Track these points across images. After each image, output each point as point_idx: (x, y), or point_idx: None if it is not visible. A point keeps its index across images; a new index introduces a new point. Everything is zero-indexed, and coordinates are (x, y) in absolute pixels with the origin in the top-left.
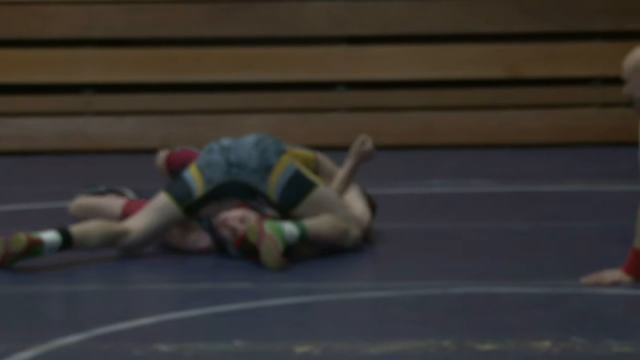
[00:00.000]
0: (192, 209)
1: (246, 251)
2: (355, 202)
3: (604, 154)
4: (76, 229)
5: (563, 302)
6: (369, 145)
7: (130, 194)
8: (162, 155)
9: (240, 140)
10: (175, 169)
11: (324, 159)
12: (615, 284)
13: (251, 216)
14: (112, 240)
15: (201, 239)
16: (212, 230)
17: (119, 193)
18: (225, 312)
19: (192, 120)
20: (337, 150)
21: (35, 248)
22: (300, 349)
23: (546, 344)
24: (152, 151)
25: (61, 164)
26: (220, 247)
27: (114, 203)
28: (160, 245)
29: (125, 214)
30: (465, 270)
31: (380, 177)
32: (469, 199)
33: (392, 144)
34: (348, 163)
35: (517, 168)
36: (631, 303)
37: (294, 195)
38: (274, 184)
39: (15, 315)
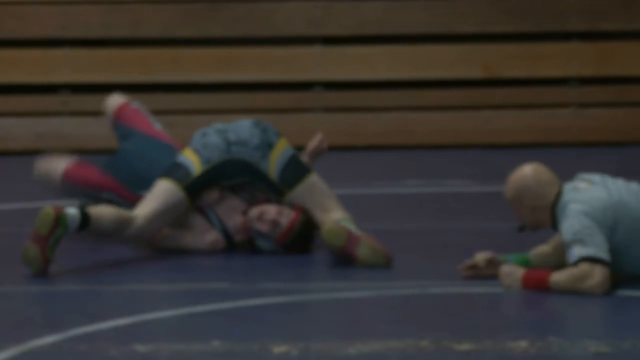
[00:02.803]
0: (193, 189)
1: (287, 245)
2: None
3: (581, 154)
4: (93, 209)
5: (540, 303)
6: (325, 145)
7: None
8: (118, 100)
9: (235, 123)
10: (120, 121)
11: None
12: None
13: (286, 210)
14: (121, 226)
15: (208, 235)
16: (223, 226)
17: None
18: (202, 313)
19: (169, 121)
20: None
21: (62, 217)
22: (278, 349)
23: (523, 344)
24: None
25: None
26: (230, 243)
27: (57, 165)
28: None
29: (66, 176)
30: (442, 270)
31: (357, 177)
32: (447, 199)
33: (369, 144)
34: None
35: (495, 168)
36: (607, 303)
37: (292, 177)
38: (275, 162)
39: None
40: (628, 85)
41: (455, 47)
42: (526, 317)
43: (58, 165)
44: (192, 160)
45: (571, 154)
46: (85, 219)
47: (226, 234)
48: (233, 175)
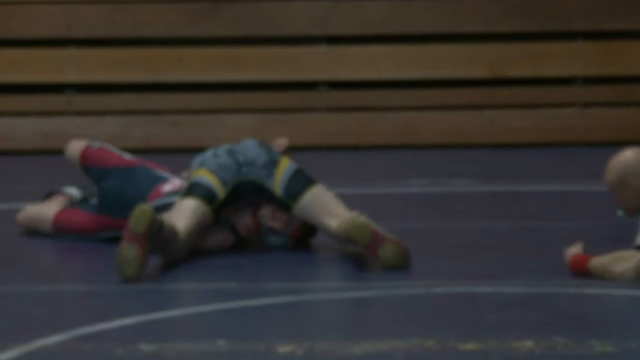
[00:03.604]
0: (217, 211)
1: (298, 239)
2: None
3: (586, 153)
4: (163, 215)
5: (545, 302)
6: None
7: (74, 192)
8: (78, 146)
9: (242, 144)
10: (89, 165)
11: None
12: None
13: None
14: (174, 237)
15: (216, 234)
16: (233, 227)
17: (59, 194)
18: (207, 312)
19: (174, 120)
20: (318, 150)
21: (154, 217)
22: (283, 348)
23: (528, 344)
24: (134, 151)
25: (43, 164)
26: (238, 239)
27: (47, 212)
28: None
29: (56, 224)
30: (447, 270)
31: (362, 177)
32: (451, 198)
33: (374, 144)
34: None
35: (499, 168)
36: (613, 303)
37: (296, 190)
38: (280, 178)
39: None
40: (633, 84)
41: (460, 47)
42: (531, 317)
43: (48, 213)
44: (214, 182)
45: (577, 154)
46: (160, 223)
47: (234, 230)
48: (244, 195)
